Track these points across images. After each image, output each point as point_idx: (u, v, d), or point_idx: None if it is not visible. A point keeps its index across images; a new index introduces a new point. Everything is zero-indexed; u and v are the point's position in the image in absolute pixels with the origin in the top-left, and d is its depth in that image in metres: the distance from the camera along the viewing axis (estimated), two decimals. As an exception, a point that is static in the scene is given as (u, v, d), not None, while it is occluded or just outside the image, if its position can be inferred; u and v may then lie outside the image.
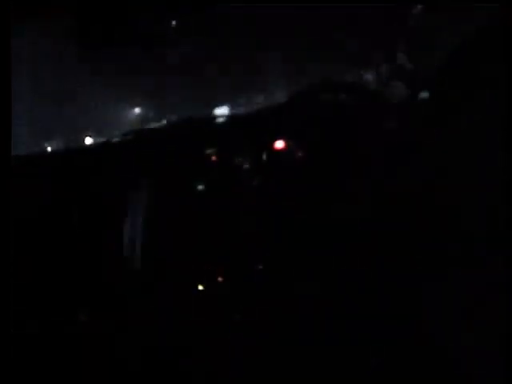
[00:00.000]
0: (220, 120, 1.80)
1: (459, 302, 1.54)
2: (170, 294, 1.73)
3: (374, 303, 1.63)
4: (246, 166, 1.78)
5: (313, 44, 1.79)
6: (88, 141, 1.82)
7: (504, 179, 1.45)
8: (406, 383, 1.57)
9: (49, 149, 1.83)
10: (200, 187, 1.77)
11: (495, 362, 1.42)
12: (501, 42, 1.41)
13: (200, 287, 1.75)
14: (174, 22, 1.80)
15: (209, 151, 1.78)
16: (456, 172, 1.64)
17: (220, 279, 1.75)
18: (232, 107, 1.78)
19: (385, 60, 1.79)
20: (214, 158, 1.79)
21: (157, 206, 1.77)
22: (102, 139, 1.82)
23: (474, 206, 1.57)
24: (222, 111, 1.79)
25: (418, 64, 1.76)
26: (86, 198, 1.78)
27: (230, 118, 1.80)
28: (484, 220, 1.55)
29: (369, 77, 1.80)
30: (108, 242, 1.76)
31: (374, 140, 1.75)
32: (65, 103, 1.84)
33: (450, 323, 1.54)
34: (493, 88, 1.47)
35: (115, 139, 1.81)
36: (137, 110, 1.83)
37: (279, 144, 1.77)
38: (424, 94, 1.74)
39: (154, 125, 1.81)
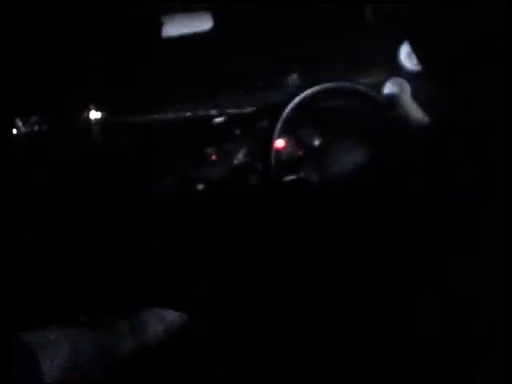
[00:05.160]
0: (220, 119, 1.81)
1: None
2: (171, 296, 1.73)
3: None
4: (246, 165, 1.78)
5: (313, 45, 1.79)
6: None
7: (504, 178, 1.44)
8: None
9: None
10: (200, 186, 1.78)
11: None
12: (502, 42, 1.41)
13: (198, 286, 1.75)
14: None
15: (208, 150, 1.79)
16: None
17: (219, 278, 1.75)
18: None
19: (385, 61, 1.79)
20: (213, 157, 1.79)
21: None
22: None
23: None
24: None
25: (418, 65, 1.76)
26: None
27: (229, 117, 1.80)
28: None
29: (368, 78, 1.80)
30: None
31: (375, 142, 1.76)
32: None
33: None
34: (493, 88, 1.47)
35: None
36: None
37: (279, 144, 1.77)
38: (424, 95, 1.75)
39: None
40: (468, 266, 1.58)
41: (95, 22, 1.72)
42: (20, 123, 1.58)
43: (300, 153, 1.79)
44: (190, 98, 1.82)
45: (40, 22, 1.69)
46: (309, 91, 1.74)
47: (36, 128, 1.63)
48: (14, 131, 1.59)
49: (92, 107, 1.70)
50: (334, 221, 1.73)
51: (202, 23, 1.79)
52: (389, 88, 1.78)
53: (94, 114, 1.71)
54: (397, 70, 1.77)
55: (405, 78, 1.76)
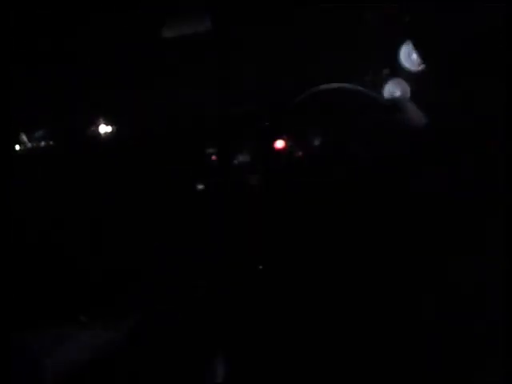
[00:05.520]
0: (220, 119, 1.81)
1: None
2: (171, 296, 1.73)
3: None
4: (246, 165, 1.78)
5: (314, 46, 1.79)
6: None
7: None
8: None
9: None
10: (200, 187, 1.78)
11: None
12: (501, 42, 1.41)
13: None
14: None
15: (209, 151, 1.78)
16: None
17: (220, 279, 1.75)
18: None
19: (385, 62, 1.79)
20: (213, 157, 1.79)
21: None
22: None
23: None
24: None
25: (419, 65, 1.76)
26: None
27: (230, 116, 1.80)
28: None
29: (369, 79, 1.80)
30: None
31: (375, 142, 1.75)
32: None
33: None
34: (493, 88, 1.47)
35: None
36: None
37: (279, 144, 1.77)
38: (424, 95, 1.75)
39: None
40: (468, 265, 1.59)
41: (98, 30, 1.72)
42: (25, 138, 1.54)
43: (300, 153, 1.78)
44: (189, 98, 1.81)
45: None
46: (310, 92, 1.74)
47: (42, 143, 1.60)
48: (18, 147, 1.55)
49: (101, 121, 1.69)
50: (334, 221, 1.73)
51: (202, 23, 1.79)
52: (389, 88, 1.78)
53: (104, 128, 1.69)
54: (397, 70, 1.77)
55: (405, 78, 1.76)
